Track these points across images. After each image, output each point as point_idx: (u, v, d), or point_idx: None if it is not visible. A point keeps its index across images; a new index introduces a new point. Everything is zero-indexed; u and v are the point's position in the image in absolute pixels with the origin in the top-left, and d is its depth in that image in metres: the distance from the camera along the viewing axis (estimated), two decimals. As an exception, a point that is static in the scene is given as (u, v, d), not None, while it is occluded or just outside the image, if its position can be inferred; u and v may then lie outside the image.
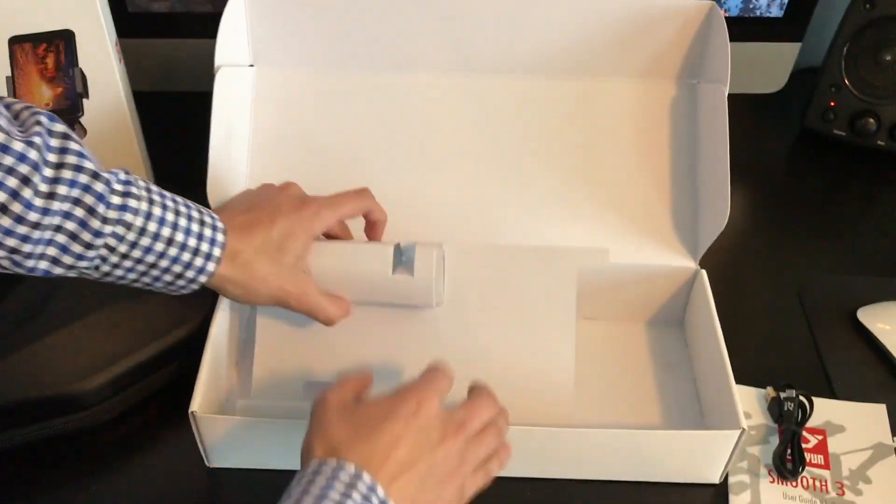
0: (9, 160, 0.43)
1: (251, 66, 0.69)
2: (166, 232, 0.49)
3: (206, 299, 0.64)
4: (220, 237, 0.52)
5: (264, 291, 0.55)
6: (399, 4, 0.67)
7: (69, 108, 0.69)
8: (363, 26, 0.68)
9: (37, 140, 0.44)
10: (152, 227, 0.49)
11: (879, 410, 0.65)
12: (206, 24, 0.67)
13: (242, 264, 0.53)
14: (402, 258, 0.59)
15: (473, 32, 0.68)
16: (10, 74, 0.67)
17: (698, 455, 0.58)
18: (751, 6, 0.82)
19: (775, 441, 0.62)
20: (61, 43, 0.67)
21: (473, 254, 0.62)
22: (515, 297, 0.61)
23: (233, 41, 0.67)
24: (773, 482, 0.60)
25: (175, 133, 0.78)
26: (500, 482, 0.59)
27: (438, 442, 0.46)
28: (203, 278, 0.52)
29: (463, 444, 0.48)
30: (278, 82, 0.69)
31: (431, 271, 0.58)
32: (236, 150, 0.67)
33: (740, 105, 0.71)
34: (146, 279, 0.51)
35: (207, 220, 0.52)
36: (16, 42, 0.67)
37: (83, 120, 0.70)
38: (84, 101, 0.70)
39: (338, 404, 0.48)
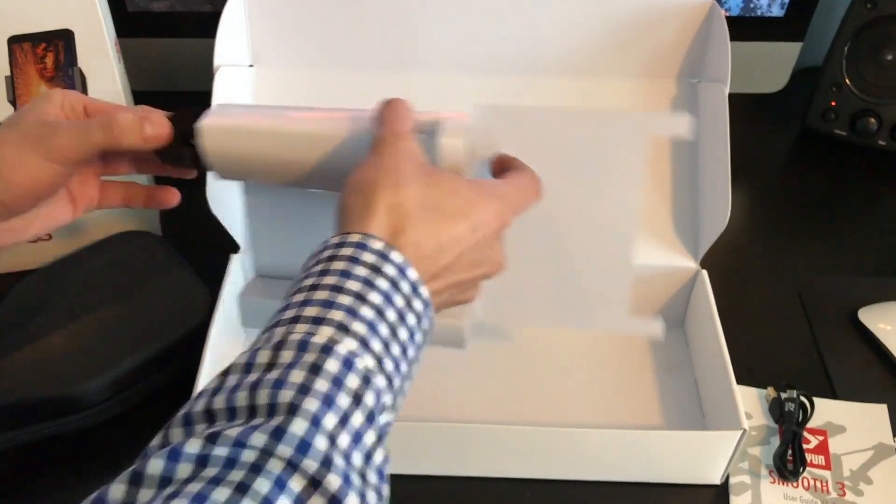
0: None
1: (251, 66, 0.69)
2: None
3: (206, 299, 0.64)
4: None
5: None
6: (399, 4, 0.67)
7: (69, 108, 0.69)
8: (363, 26, 0.68)
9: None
10: None
11: (880, 411, 0.65)
12: (206, 23, 0.67)
13: None
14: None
15: (474, 32, 0.68)
16: (9, 74, 0.67)
17: (699, 456, 0.58)
18: (751, 6, 0.82)
19: (776, 442, 0.62)
20: (60, 42, 0.67)
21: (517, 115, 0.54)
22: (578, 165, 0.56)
23: (232, 41, 0.67)
24: (773, 483, 0.60)
25: (175, 133, 0.78)
26: (501, 483, 0.59)
27: (479, 265, 0.45)
28: None
29: (487, 274, 0.47)
30: (278, 82, 0.69)
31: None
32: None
33: (741, 105, 0.71)
34: None
35: None
36: (15, 42, 0.67)
37: (83, 120, 0.70)
38: (84, 100, 0.70)
39: (415, 154, 0.44)
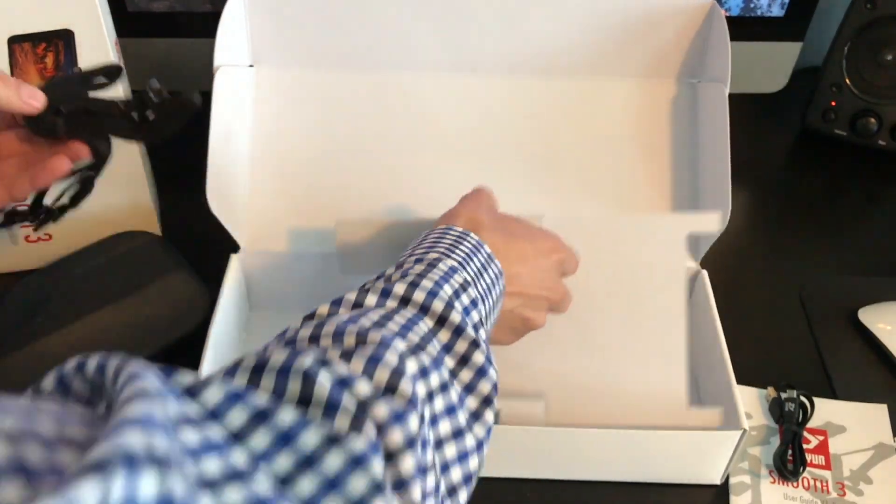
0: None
1: (251, 66, 0.69)
2: None
3: (206, 299, 0.64)
4: None
5: None
6: (399, 4, 0.67)
7: (69, 108, 0.69)
8: (363, 26, 0.68)
9: None
10: None
11: (880, 411, 0.65)
12: (206, 23, 0.67)
13: None
14: None
15: (474, 32, 0.68)
16: (9, 74, 0.67)
17: (699, 456, 0.58)
18: (752, 6, 0.82)
19: (776, 441, 0.62)
20: (60, 42, 0.67)
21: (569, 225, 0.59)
22: (619, 269, 0.62)
23: (232, 41, 0.67)
24: (773, 483, 0.60)
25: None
26: (501, 483, 0.59)
27: (543, 287, 0.53)
28: None
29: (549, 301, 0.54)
30: (278, 82, 0.69)
31: None
32: (236, 150, 0.67)
33: (741, 105, 0.71)
34: None
35: None
36: (15, 41, 0.67)
37: (83, 120, 0.70)
38: (84, 100, 0.70)
39: (490, 199, 0.56)
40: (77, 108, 0.50)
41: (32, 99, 0.48)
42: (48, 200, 0.55)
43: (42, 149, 0.52)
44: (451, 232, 0.49)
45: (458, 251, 0.47)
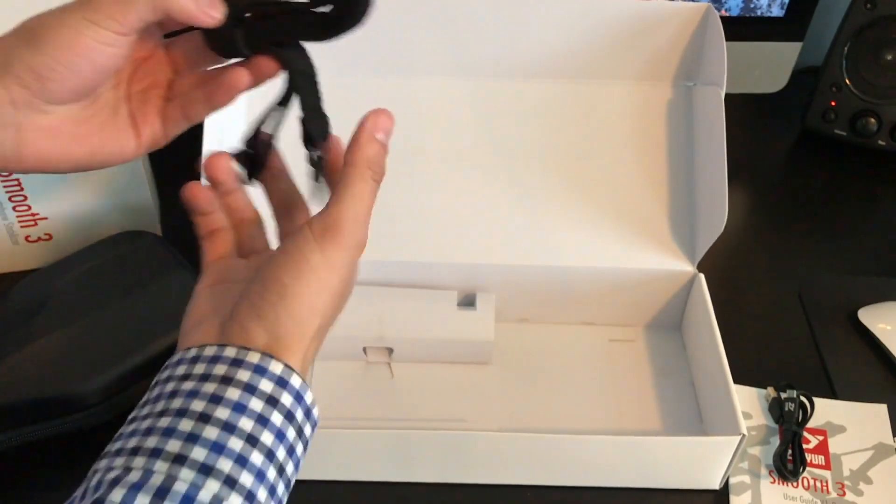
0: None
1: (248, 67, 0.69)
2: None
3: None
4: None
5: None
6: (397, 8, 0.67)
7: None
8: (361, 30, 0.68)
9: None
10: None
11: (880, 411, 0.65)
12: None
13: None
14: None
15: (470, 36, 0.68)
16: None
17: (698, 461, 0.58)
18: (751, 6, 0.82)
19: (776, 441, 0.62)
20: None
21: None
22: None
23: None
24: (773, 483, 0.60)
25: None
26: (500, 489, 0.59)
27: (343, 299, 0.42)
28: None
29: None
30: (273, 86, 0.69)
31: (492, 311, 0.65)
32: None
33: (741, 105, 0.71)
34: None
35: None
36: (15, 42, 0.67)
37: (83, 120, 0.70)
38: (84, 100, 0.70)
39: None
40: (259, 14, 0.42)
41: (212, 8, 0.41)
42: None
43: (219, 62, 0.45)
44: (262, 386, 0.36)
45: (256, 450, 0.35)
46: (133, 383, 0.61)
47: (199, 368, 0.37)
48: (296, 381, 0.37)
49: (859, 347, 0.70)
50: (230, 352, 0.37)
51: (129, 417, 0.37)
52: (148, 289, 0.64)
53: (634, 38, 0.67)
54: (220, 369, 0.36)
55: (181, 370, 0.37)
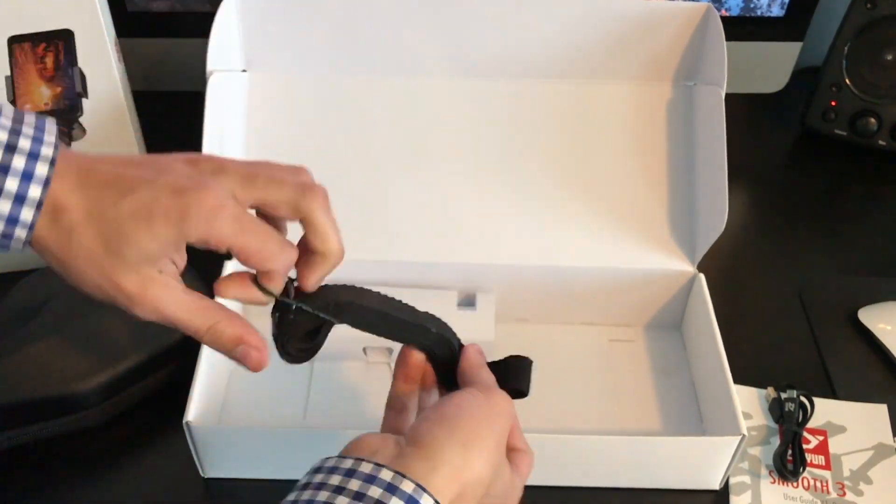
0: None
1: (244, 71, 0.69)
2: None
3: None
4: (41, 170, 0.35)
5: (88, 279, 0.38)
6: (394, 8, 0.66)
7: (68, 108, 0.69)
8: (358, 31, 0.68)
9: None
10: None
11: (880, 411, 0.65)
12: (206, 23, 0.66)
13: (64, 229, 0.36)
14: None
15: (468, 36, 0.67)
16: (9, 74, 0.67)
17: (698, 462, 0.58)
18: (752, 6, 0.82)
19: (776, 442, 0.62)
20: (60, 42, 0.67)
21: None
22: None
23: (225, 45, 0.66)
24: (773, 483, 0.60)
25: (175, 133, 0.77)
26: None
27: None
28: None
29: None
30: (272, 88, 0.69)
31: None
32: (229, 156, 0.67)
33: (741, 105, 0.71)
34: None
35: (25, 141, 0.35)
36: (15, 41, 0.67)
37: (82, 120, 0.70)
38: (83, 100, 0.69)
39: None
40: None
41: (261, 364, 0.42)
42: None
43: None
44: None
45: None
46: (132, 384, 0.61)
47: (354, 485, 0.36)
48: None
49: (859, 347, 0.70)
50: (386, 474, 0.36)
51: None
52: (147, 289, 0.64)
53: (634, 38, 0.67)
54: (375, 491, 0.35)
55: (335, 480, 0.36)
